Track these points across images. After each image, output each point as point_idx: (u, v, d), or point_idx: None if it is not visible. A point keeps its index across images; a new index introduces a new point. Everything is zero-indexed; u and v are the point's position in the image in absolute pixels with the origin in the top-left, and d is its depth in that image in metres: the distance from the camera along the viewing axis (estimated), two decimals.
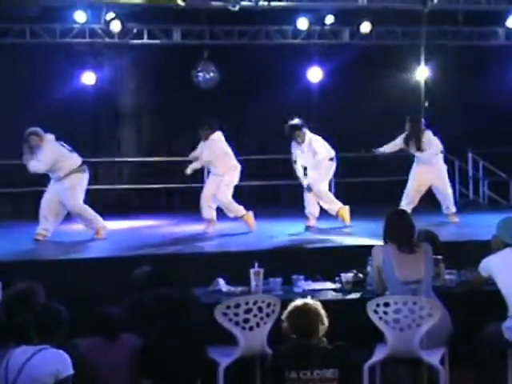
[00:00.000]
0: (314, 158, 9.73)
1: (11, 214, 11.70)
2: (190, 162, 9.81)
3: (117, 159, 12.65)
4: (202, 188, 9.83)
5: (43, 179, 9.28)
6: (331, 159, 9.91)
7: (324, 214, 10.14)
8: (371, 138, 12.86)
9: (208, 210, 9.68)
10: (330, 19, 11.76)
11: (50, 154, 8.80)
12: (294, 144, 9.90)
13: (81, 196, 9.08)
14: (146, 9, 11.54)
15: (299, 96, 12.37)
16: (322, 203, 9.96)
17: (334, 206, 9.93)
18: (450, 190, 10.40)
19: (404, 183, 10.45)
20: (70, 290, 6.61)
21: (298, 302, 4.62)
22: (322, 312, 4.48)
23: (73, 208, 9.01)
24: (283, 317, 4.64)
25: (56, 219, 9.12)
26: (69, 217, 9.24)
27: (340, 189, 10.52)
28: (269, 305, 5.56)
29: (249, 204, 10.03)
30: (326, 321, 4.46)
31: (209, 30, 12.12)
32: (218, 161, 9.61)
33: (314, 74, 12.61)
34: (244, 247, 8.36)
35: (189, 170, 9.72)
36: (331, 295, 6.16)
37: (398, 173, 12.87)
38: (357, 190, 12.65)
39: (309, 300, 4.64)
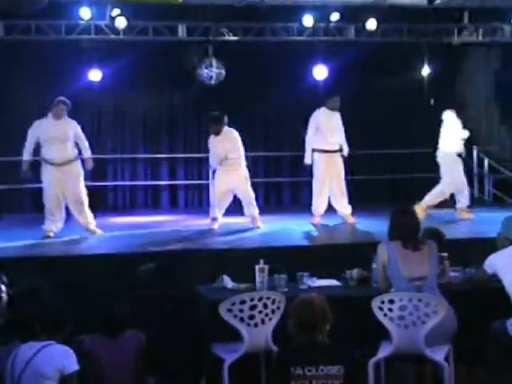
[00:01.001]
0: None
1: (14, 210, 11.75)
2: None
3: (123, 156, 12.64)
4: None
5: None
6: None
7: (329, 211, 10.14)
8: (376, 135, 12.93)
9: (218, 208, 9.59)
10: (335, 16, 11.75)
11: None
12: (320, 112, 9.98)
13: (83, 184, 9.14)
14: (151, 5, 11.55)
15: (304, 93, 12.34)
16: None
17: None
18: None
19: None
20: (74, 287, 6.63)
21: (303, 296, 4.61)
22: (327, 308, 4.47)
23: (78, 196, 8.99)
24: (288, 311, 4.63)
25: (62, 213, 9.11)
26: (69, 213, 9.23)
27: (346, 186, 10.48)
28: (274, 301, 5.56)
29: None
30: (331, 317, 4.44)
31: (214, 26, 12.10)
32: (236, 151, 9.54)
33: (319, 71, 12.58)
34: (249, 244, 8.37)
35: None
36: (336, 292, 6.14)
37: (402, 171, 12.91)
38: (362, 188, 12.63)
39: (314, 295, 4.62)
